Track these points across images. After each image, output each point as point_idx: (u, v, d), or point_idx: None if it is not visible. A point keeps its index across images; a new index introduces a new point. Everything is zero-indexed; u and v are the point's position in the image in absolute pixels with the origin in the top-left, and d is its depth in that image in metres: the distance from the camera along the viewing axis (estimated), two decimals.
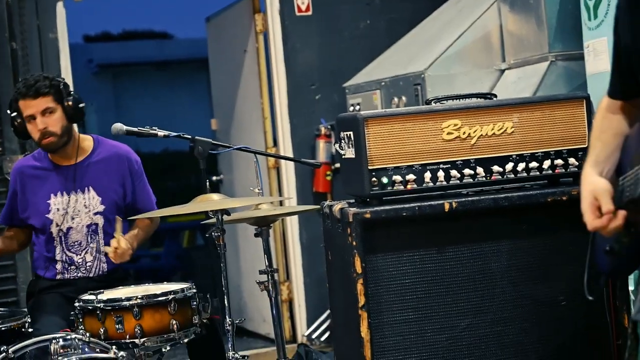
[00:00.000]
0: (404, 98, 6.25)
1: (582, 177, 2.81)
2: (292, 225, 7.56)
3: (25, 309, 4.60)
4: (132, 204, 5.04)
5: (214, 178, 8.46)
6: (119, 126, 4.85)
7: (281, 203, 6.14)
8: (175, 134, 4.83)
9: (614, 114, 2.86)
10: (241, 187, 8.13)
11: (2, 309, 4.46)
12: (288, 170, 7.58)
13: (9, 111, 4.90)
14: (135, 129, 4.82)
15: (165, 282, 4.58)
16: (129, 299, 4.18)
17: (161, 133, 4.79)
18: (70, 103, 4.84)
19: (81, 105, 4.89)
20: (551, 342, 3.88)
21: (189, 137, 4.70)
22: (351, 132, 3.94)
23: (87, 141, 5.06)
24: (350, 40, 7.64)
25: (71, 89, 4.93)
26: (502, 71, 6.21)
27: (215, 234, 4.27)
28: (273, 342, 5.75)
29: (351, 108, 6.96)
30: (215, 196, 4.36)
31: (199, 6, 8.63)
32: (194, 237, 12.11)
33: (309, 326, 7.39)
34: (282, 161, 7.58)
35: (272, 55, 7.66)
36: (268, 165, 7.73)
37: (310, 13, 7.60)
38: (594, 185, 2.71)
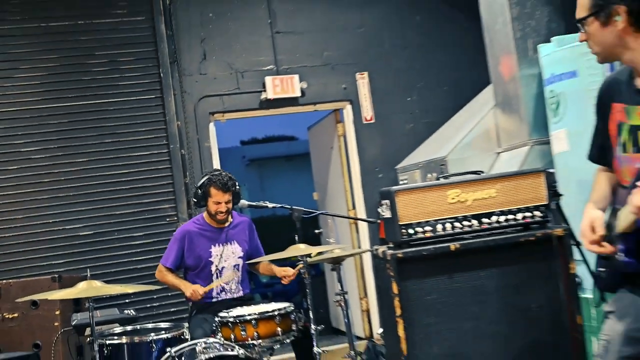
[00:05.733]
0: (434, 174, 6.11)
1: (584, 211, 2.51)
2: (367, 260, 7.41)
3: (185, 323, 4.56)
4: (250, 253, 5.04)
5: (316, 231, 8.35)
6: (243, 202, 4.92)
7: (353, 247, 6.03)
8: (280, 205, 4.81)
9: (603, 172, 2.64)
10: (336, 236, 8.03)
11: (168, 323, 4.46)
12: (363, 225, 7.45)
13: (199, 190, 4.88)
14: (253, 203, 4.87)
15: (273, 302, 4.51)
16: (250, 314, 4.17)
17: (270, 205, 4.79)
18: (235, 196, 4.90)
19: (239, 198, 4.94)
20: (527, 334, 3.74)
21: (289, 207, 4.69)
22: (388, 200, 3.88)
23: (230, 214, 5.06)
24: (400, 137, 7.54)
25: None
26: (499, 154, 6.05)
27: (302, 270, 4.27)
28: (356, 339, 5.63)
29: (401, 182, 6.85)
30: (302, 246, 4.31)
31: (309, 119, 8.64)
32: (310, 270, 11.98)
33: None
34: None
35: (350, 150, 7.62)
36: (349, 222, 7.64)
37: (373, 121, 7.54)
38: (592, 215, 2.45)
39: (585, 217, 2.45)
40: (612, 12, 2.30)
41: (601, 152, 2.59)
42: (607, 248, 2.39)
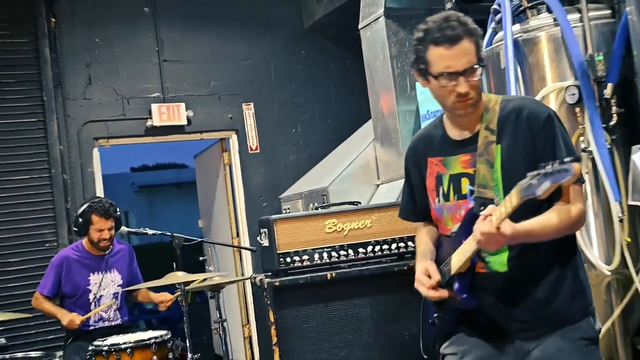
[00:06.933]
0: (316, 204, 6.05)
1: (415, 263, 2.47)
2: (248, 286, 7.14)
3: (57, 352, 4.33)
4: (129, 281, 4.85)
5: (200, 258, 8.14)
6: (124, 229, 4.73)
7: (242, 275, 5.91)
8: (160, 232, 4.64)
9: (422, 227, 2.59)
10: (216, 263, 7.82)
11: (39, 352, 4.22)
12: (247, 252, 7.27)
13: (80, 219, 4.64)
14: (133, 230, 4.71)
15: (151, 330, 4.34)
16: (125, 343, 4.03)
17: (150, 232, 4.62)
18: (116, 222, 4.70)
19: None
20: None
21: (169, 234, 4.50)
22: (266, 229, 3.81)
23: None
24: (284, 168, 7.46)
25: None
26: (378, 185, 6.04)
27: (180, 298, 4.10)
28: None
29: (284, 211, 6.74)
30: (180, 273, 4.14)
31: (197, 147, 8.43)
32: (195, 297, 11.66)
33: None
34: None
35: (235, 179, 7.46)
36: (233, 250, 7.43)
37: (258, 151, 7.42)
38: (425, 264, 2.39)
39: (419, 267, 2.40)
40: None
41: (415, 209, 2.56)
42: (444, 292, 2.32)
